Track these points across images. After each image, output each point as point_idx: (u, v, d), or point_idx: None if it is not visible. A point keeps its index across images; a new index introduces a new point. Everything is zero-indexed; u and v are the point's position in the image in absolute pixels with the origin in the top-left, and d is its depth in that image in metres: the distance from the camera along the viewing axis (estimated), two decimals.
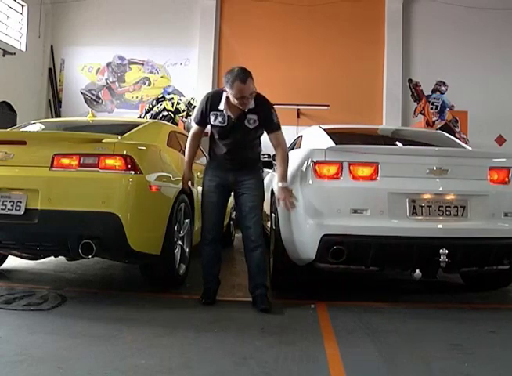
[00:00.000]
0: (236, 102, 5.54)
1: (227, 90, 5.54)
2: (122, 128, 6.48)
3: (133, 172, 5.43)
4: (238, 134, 5.75)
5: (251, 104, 5.62)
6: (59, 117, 17.61)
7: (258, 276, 5.82)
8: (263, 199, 6.01)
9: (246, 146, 5.90)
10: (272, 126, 5.79)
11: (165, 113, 15.88)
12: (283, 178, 5.68)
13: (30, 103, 17.27)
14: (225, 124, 5.71)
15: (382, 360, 4.21)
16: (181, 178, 6.33)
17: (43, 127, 7.14)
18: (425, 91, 17.77)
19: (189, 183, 6.35)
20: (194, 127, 6.05)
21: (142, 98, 18.25)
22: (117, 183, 5.39)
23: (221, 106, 5.68)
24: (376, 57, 17.67)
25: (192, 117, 5.99)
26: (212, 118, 5.76)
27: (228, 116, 5.69)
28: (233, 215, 10.30)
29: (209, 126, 5.91)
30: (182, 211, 6.51)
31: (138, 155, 5.60)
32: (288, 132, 6.67)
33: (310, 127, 7.24)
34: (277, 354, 4.27)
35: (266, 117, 5.75)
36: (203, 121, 5.88)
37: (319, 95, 17.03)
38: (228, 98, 5.63)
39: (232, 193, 6.10)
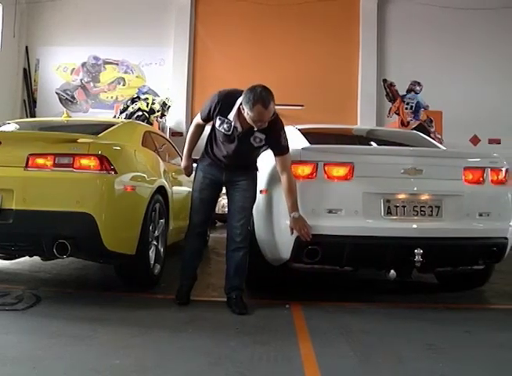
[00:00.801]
0: (250, 121, 5.31)
1: (244, 108, 5.24)
2: (97, 128, 6.44)
3: (108, 172, 5.40)
4: (240, 146, 5.54)
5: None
6: (34, 117, 17.57)
7: (235, 279, 5.76)
8: (255, 200, 5.88)
9: (246, 155, 5.75)
10: (280, 149, 5.56)
11: (140, 113, 15.91)
12: (295, 208, 5.47)
13: (4, 103, 17.20)
14: (229, 133, 5.50)
15: (357, 360, 4.22)
16: (155, 179, 6.39)
17: (18, 127, 7.10)
18: (400, 91, 17.94)
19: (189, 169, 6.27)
20: (199, 120, 5.85)
21: (116, 98, 18.26)
22: (91, 183, 5.35)
23: (231, 116, 5.43)
24: (351, 57, 17.80)
25: (201, 109, 5.77)
26: (218, 122, 5.53)
27: (235, 127, 5.46)
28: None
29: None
30: (157, 211, 6.49)
31: (113, 155, 5.57)
32: None
33: (285, 127, 7.23)
34: (252, 354, 4.27)
35: (274, 138, 5.52)
36: (208, 119, 5.72)
37: (294, 94, 17.07)
38: (240, 108, 5.35)
39: (224, 190, 6.00)
